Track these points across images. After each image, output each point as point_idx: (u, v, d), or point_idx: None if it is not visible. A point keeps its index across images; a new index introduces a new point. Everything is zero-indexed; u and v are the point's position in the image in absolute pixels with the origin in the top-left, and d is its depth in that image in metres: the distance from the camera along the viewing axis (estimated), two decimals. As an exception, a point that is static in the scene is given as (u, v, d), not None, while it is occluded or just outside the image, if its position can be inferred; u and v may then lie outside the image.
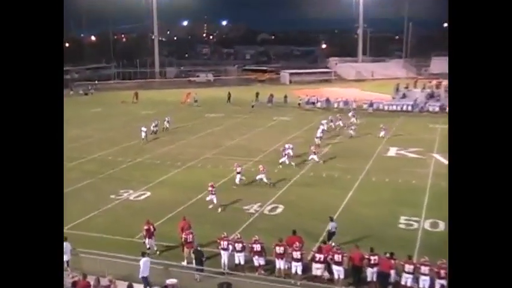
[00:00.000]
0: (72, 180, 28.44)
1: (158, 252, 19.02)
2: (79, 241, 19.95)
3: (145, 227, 19.16)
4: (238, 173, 27.59)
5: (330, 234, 19.44)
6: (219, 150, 36.11)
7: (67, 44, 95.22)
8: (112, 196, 25.80)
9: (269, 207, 24.07)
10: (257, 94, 63.24)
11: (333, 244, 18.03)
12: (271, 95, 58.87)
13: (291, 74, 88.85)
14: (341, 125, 42.98)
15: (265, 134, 42.26)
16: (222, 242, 17.84)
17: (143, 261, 16.72)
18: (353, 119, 44.36)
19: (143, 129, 38.99)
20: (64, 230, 21.04)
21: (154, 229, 19.25)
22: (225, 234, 18.20)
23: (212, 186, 24.44)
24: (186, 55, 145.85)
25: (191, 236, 18.40)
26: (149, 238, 19.09)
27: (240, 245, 17.75)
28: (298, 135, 40.97)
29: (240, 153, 34.83)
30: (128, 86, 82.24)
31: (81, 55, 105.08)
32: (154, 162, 32.56)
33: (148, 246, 19.02)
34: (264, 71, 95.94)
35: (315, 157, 31.65)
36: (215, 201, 24.01)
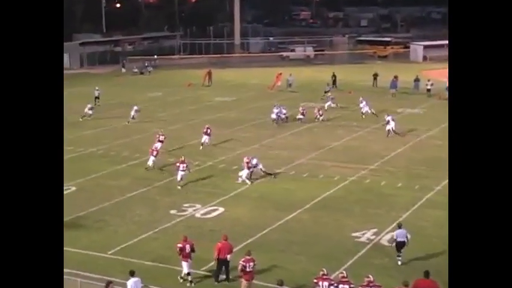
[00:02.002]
0: (119, 189, 29.55)
1: (192, 283, 19.67)
2: (126, 271, 20.65)
3: (179, 245, 19.90)
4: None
5: (399, 245, 21.06)
6: (320, 154, 36.05)
7: (117, 5, 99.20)
8: (173, 212, 26.49)
9: (389, 236, 23.63)
10: (375, 75, 62.46)
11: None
12: (396, 77, 57.89)
13: (425, 47, 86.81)
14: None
15: (385, 133, 41.59)
16: (320, 283, 17.73)
17: (133, 283, 17.57)
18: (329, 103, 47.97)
19: (275, 110, 43.85)
20: (108, 255, 21.96)
21: (193, 250, 19.90)
22: (325, 271, 18.07)
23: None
24: (277, 21, 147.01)
25: (252, 263, 18.72)
26: (184, 260, 19.78)
27: (347, 287, 17.57)
28: (434, 136, 39.91)
29: (349, 158, 34.55)
30: (198, 62, 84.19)
31: (136, 21, 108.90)
32: (230, 167, 33.06)
33: (186, 271, 19.75)
34: (387, 43, 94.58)
35: None
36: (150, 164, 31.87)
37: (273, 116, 44.15)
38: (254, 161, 30.91)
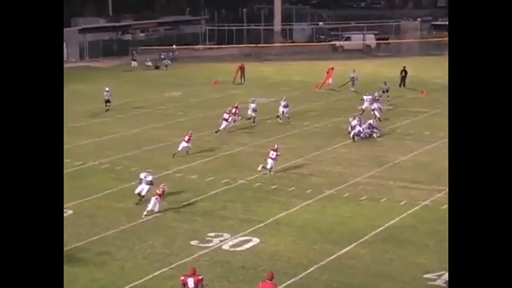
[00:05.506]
0: (127, 213, 29.62)
1: None
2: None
3: (181, 278, 20.24)
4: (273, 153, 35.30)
5: None
6: (382, 171, 35.90)
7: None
8: (194, 243, 26.49)
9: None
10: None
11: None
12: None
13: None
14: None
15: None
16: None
17: None
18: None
19: (352, 122, 42.33)
20: (112, 297, 22.04)
21: (200, 286, 20.10)
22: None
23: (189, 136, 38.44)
24: (329, 1, 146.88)
25: None
26: None
27: None
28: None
29: (421, 177, 34.34)
30: (227, 54, 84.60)
31: (150, 2, 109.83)
32: (267, 187, 33.08)
33: None
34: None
35: None
36: (185, 147, 38.06)
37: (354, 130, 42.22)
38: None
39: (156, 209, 28.92)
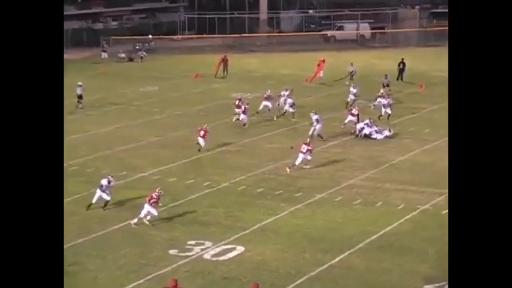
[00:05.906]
0: (100, 220, 29.57)
1: None
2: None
3: None
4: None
5: None
6: (378, 172, 36.15)
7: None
8: (173, 252, 26.49)
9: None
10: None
11: None
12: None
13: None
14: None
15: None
16: None
17: None
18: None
19: (313, 117, 41.73)
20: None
21: None
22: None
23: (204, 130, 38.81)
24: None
25: None
26: None
27: None
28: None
29: (420, 180, 34.55)
30: (208, 45, 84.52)
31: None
32: (253, 190, 33.18)
33: None
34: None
35: None
36: (202, 144, 38.59)
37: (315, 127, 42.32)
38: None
39: (149, 216, 28.74)
